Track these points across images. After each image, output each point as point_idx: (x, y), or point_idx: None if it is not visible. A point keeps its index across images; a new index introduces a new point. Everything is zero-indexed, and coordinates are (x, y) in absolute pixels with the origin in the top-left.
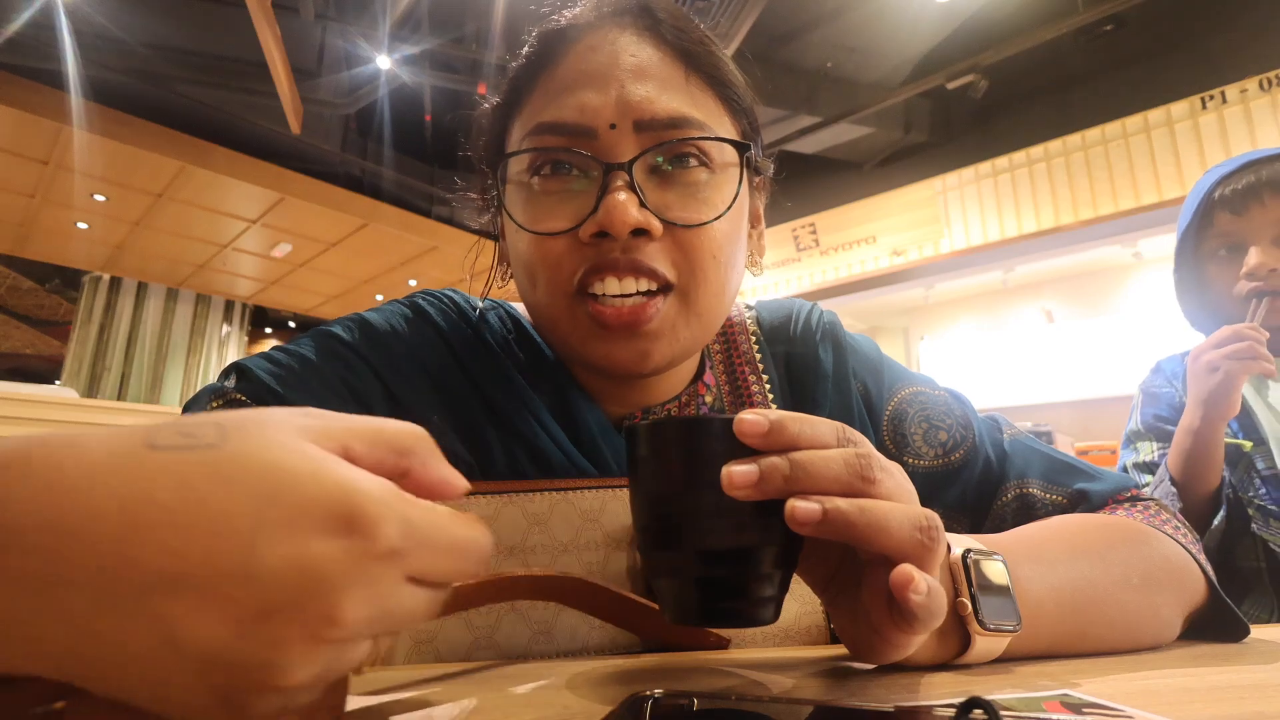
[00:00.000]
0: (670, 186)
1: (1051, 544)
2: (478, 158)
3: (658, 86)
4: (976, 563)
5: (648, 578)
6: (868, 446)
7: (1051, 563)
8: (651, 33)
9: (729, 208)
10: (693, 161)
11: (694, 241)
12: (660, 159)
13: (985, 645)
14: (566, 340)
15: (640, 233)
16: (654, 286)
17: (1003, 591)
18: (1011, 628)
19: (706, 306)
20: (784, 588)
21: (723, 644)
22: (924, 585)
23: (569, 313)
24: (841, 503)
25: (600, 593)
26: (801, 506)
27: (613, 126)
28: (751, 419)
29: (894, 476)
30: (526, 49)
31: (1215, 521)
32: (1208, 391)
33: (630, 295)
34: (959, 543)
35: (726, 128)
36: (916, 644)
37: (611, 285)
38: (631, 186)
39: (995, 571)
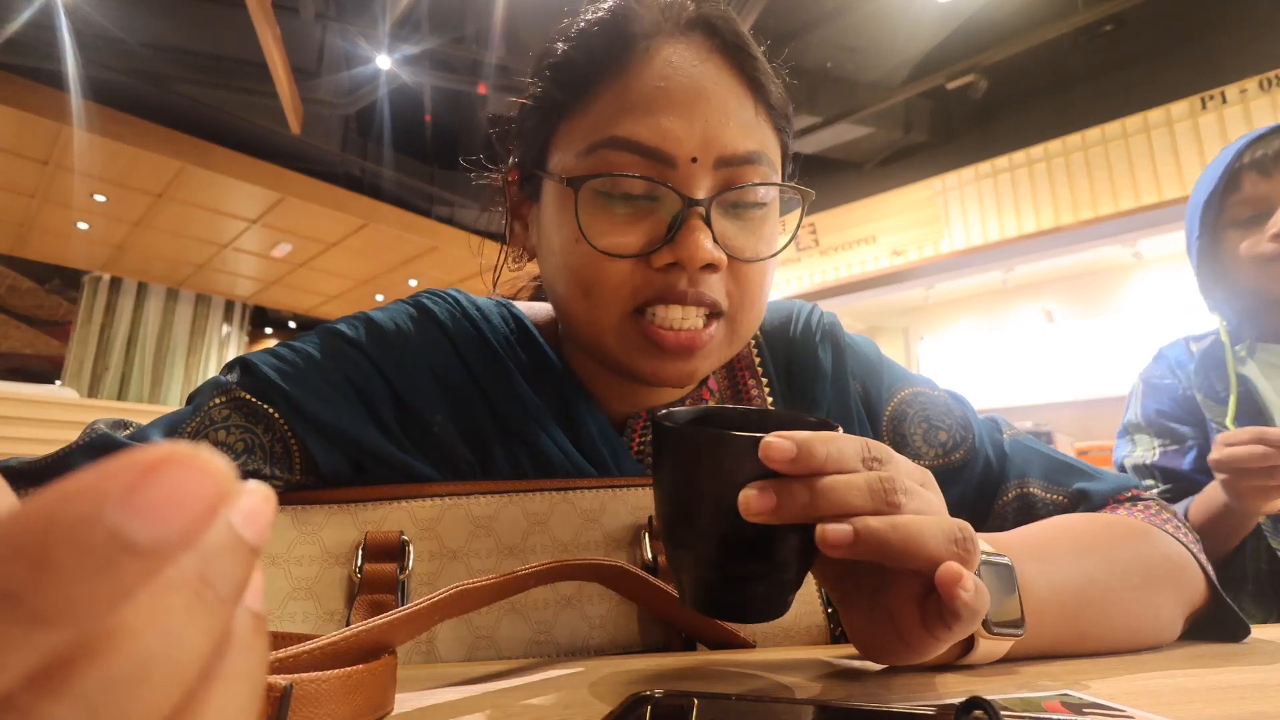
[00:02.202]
0: (733, 220)
1: (1055, 544)
2: (508, 140)
3: (738, 124)
4: (983, 565)
5: (669, 568)
6: (893, 468)
7: (1055, 562)
8: (724, 55)
9: (786, 244)
10: (758, 199)
11: (749, 275)
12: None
13: (989, 647)
14: (611, 353)
15: (708, 266)
16: (708, 314)
17: (1009, 594)
18: (1016, 631)
19: (746, 330)
20: (796, 588)
21: (748, 645)
22: (971, 583)
23: (619, 329)
24: (873, 521)
25: (643, 583)
26: (833, 530)
27: (694, 160)
28: (778, 444)
29: (918, 496)
30: (582, 41)
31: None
32: (1251, 501)
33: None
34: None
35: (778, 154)
36: (943, 649)
37: (675, 313)
38: (707, 222)
39: (1002, 574)
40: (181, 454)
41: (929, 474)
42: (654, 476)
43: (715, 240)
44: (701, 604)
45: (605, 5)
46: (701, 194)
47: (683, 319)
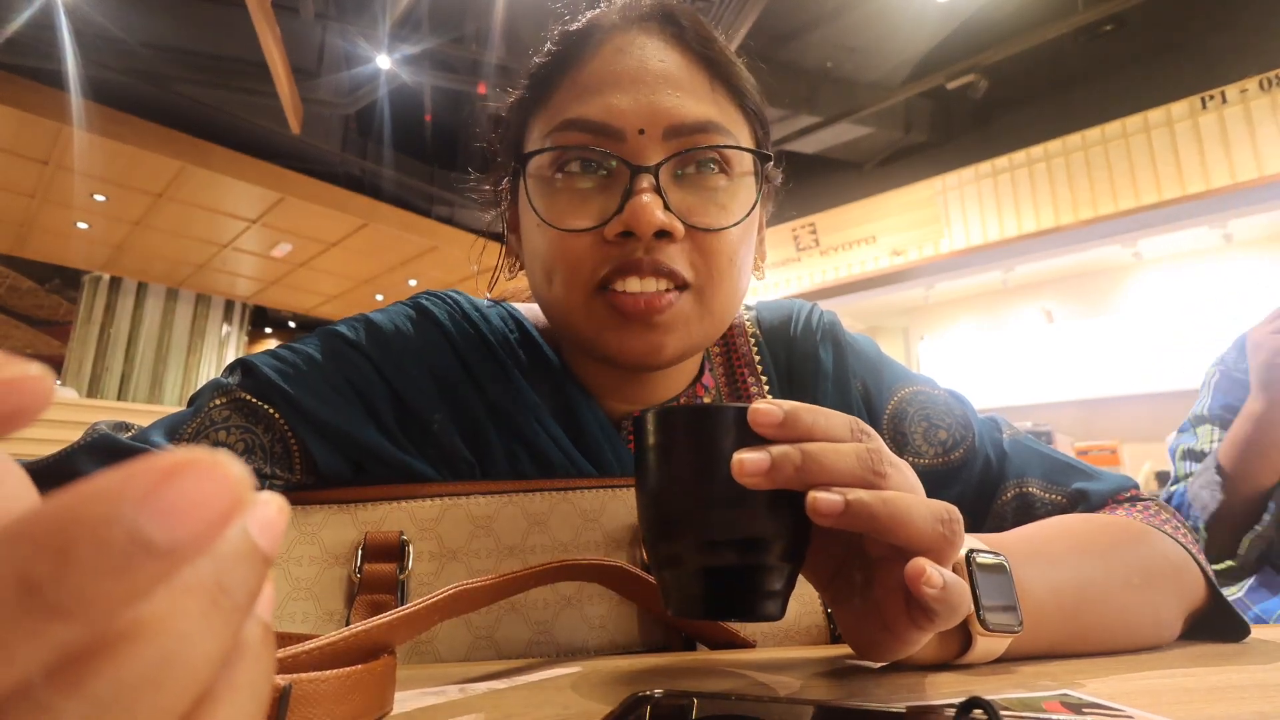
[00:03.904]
0: (691, 191)
1: (1053, 544)
2: (494, 151)
3: (686, 93)
4: (979, 563)
5: (652, 570)
6: (879, 441)
7: (1053, 563)
8: (678, 40)
9: (747, 215)
10: (714, 167)
11: (712, 245)
12: (685, 165)
13: (986, 645)
14: (581, 333)
15: (662, 234)
16: (673, 285)
17: (1005, 593)
18: (1013, 629)
19: (719, 306)
20: (791, 584)
21: (748, 644)
22: (939, 578)
23: (586, 307)
24: (864, 494)
25: (643, 583)
26: (824, 498)
27: (641, 132)
28: (766, 408)
29: (903, 472)
30: (550, 46)
31: (1263, 522)
32: (1264, 375)
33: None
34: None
35: (746, 136)
36: (926, 640)
37: (633, 284)
38: (657, 189)
39: (998, 572)
40: (201, 460)
41: (907, 465)
42: (637, 476)
43: (667, 206)
44: (692, 603)
45: (575, 17)
46: (651, 163)
47: (643, 288)
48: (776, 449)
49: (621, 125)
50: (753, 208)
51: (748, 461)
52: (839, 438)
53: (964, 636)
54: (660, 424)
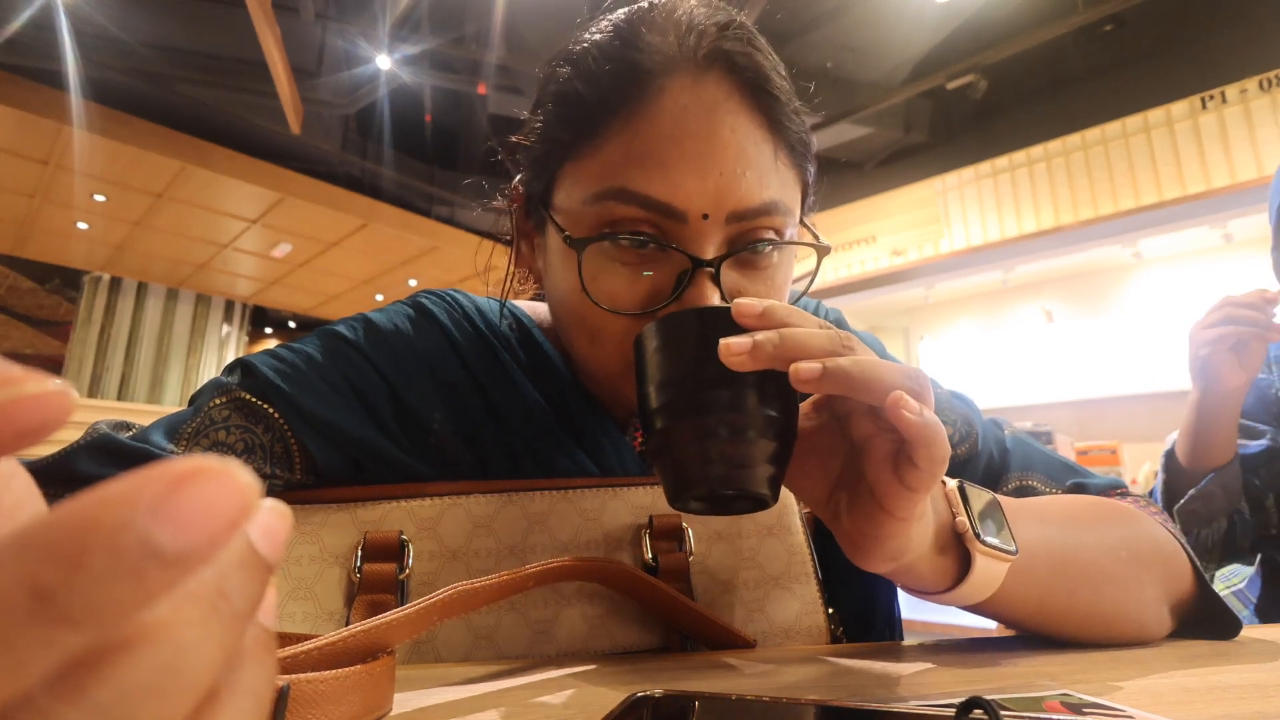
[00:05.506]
0: (744, 272)
1: (1045, 508)
2: (517, 168)
3: (755, 175)
4: (972, 491)
5: (653, 464)
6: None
7: (1044, 522)
8: (743, 95)
9: (801, 296)
10: (769, 248)
11: None
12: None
13: (985, 568)
14: (621, 391)
15: None
16: None
17: (998, 522)
18: (1009, 550)
19: None
20: (781, 469)
21: (749, 644)
22: (916, 406)
23: (627, 375)
24: (839, 359)
25: (643, 582)
26: (805, 366)
27: (705, 217)
28: (748, 303)
29: (868, 350)
30: (589, 74)
31: (1188, 496)
32: (1198, 365)
33: None
34: (953, 480)
35: (797, 195)
36: (917, 507)
37: None
38: (716, 281)
39: (990, 505)
40: (211, 467)
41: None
42: (639, 379)
43: (724, 297)
44: (692, 485)
45: (615, 30)
46: (711, 251)
47: None
48: (759, 333)
49: (686, 208)
50: (805, 292)
51: (733, 344)
52: (810, 327)
53: (961, 555)
54: (661, 329)
